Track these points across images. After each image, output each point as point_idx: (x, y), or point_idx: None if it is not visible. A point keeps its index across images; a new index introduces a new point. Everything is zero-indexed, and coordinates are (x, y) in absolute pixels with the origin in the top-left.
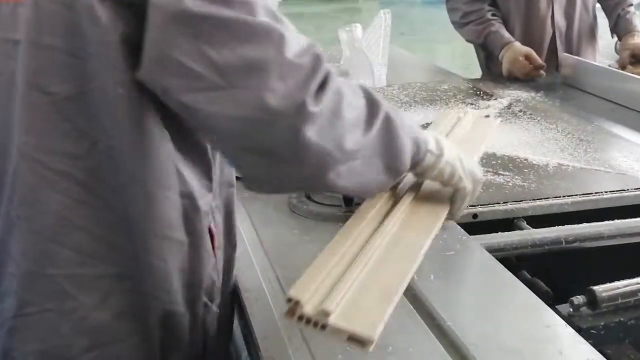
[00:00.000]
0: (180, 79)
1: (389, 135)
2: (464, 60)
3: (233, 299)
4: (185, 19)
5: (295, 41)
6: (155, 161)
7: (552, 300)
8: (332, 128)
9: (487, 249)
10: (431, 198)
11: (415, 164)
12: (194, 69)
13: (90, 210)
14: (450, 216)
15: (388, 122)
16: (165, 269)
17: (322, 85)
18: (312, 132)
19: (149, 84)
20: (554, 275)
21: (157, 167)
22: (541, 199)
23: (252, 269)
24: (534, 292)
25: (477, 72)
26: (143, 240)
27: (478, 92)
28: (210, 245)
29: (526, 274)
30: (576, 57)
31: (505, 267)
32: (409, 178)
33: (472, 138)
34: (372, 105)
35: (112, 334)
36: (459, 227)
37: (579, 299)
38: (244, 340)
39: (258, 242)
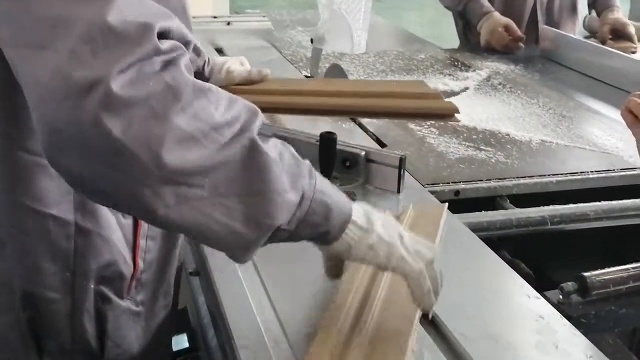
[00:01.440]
0: (8, 30)
1: (260, 170)
2: (432, 29)
3: (176, 299)
4: None
5: (132, 8)
6: (20, 121)
7: (535, 283)
8: (146, 127)
9: (469, 228)
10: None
11: (323, 234)
12: (20, 20)
13: None
14: (424, 311)
15: (261, 154)
16: (25, 244)
17: (149, 68)
18: (114, 124)
19: None
20: (534, 256)
21: (22, 128)
22: (525, 177)
23: None
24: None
25: (448, 43)
26: (8, 207)
27: (455, 63)
28: (119, 233)
29: (507, 254)
30: (556, 30)
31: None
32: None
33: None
34: (244, 126)
35: None
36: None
37: (569, 286)
38: (210, 317)
39: None
